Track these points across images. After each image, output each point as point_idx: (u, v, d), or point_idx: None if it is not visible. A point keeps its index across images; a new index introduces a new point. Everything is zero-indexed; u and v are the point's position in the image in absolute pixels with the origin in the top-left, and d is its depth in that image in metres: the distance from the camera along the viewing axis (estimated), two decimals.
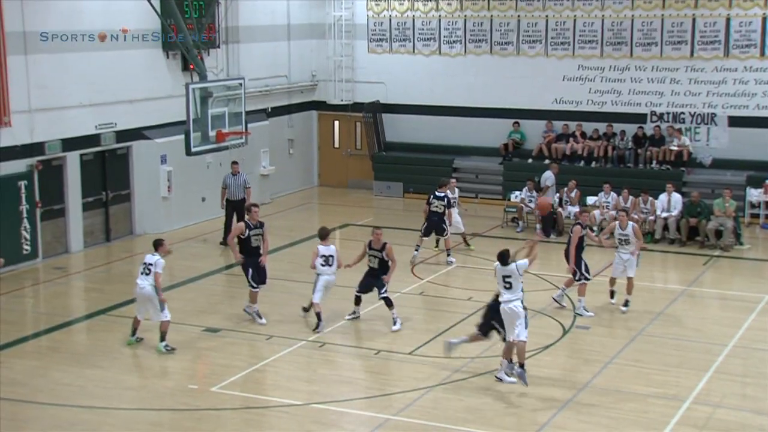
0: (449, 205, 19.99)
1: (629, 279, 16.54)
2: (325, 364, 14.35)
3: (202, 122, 18.43)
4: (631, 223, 16.82)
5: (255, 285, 15.91)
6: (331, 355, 14.69)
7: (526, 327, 13.09)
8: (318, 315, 15.56)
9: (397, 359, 14.49)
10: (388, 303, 15.71)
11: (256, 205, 16.68)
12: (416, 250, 19.94)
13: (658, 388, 13.14)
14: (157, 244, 14.86)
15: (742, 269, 19.86)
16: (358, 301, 16.06)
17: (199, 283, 18.57)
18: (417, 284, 18.35)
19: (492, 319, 13.49)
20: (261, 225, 16.16)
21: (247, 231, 15.93)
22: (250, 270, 15.92)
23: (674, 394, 12.97)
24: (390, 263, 15.85)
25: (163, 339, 14.57)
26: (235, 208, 20.84)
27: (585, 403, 12.71)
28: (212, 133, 18.68)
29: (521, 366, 12.99)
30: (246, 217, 16.46)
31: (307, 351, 14.80)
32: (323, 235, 16.00)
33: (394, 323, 15.63)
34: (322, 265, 15.71)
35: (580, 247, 16.46)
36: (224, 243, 20.59)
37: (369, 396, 13.09)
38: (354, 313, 16.08)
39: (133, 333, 14.96)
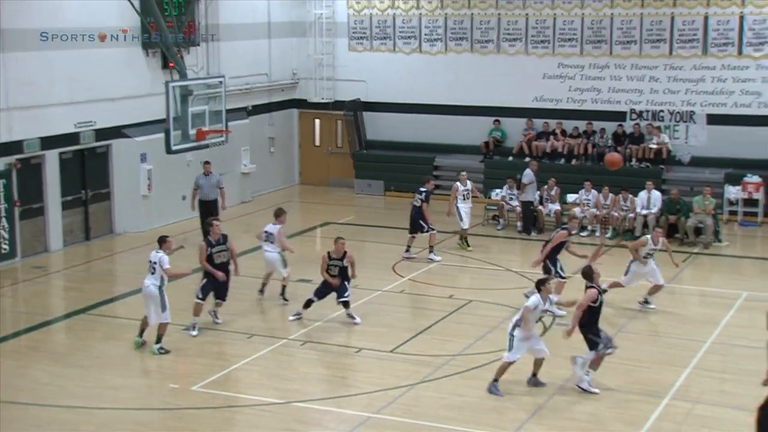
0: (426, 200, 19.94)
1: (657, 286, 16.47)
2: (307, 363, 14.35)
3: (183, 120, 18.37)
4: (662, 238, 16.62)
5: (202, 297, 15.35)
6: (312, 353, 14.68)
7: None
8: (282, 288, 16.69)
9: (379, 357, 14.51)
10: (346, 305, 15.72)
11: (217, 220, 16.05)
12: (407, 250, 19.95)
13: (638, 385, 13.21)
14: (161, 241, 14.70)
15: (721, 266, 20.00)
16: (308, 304, 15.84)
17: (179, 283, 18.48)
18: (398, 282, 18.37)
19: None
20: (224, 240, 15.52)
21: (209, 249, 15.33)
22: (208, 283, 15.33)
23: (654, 390, 13.05)
24: (350, 267, 15.80)
25: (159, 341, 14.47)
26: (209, 209, 20.63)
27: (565, 401, 12.77)
28: (192, 132, 18.63)
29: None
30: (208, 234, 15.74)
31: (288, 349, 14.80)
32: (276, 214, 16.93)
33: (355, 318, 15.72)
34: (264, 240, 16.76)
35: (557, 249, 16.44)
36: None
37: (350, 394, 13.10)
38: (298, 314, 15.94)
39: (141, 333, 14.79)
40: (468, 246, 20.75)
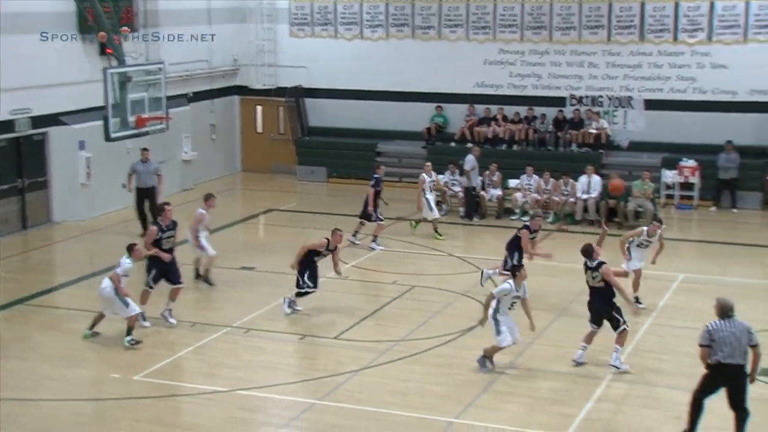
0: (374, 186, 19.92)
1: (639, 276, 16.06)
2: (250, 350, 14.29)
3: (122, 108, 18.13)
4: (659, 231, 16.32)
5: (152, 286, 15.12)
6: (256, 341, 14.64)
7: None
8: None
9: (323, 344, 14.52)
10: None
11: (167, 204, 15.84)
12: (354, 234, 19.90)
13: (578, 367, 13.40)
14: (130, 249, 14.43)
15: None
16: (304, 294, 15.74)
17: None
18: (343, 268, 18.31)
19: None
20: (174, 226, 15.34)
21: (159, 234, 15.06)
22: (158, 272, 15.06)
23: (593, 372, 13.25)
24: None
25: (129, 333, 14.23)
26: (146, 195, 20.48)
27: (508, 383, 12.92)
28: (132, 119, 18.42)
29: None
30: (158, 218, 15.61)
31: (232, 337, 14.72)
32: (205, 197, 17.11)
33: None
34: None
35: (516, 244, 16.33)
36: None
37: (295, 381, 13.09)
38: (293, 305, 15.78)
39: (92, 326, 14.52)
40: (441, 235, 20.67)
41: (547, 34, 25.42)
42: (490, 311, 13.18)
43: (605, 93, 25.18)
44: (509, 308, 13.22)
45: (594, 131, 24.75)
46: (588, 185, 22.35)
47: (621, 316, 13.21)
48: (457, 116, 26.28)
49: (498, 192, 22.92)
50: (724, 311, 10.75)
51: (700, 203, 23.71)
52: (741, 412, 10.81)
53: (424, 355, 13.86)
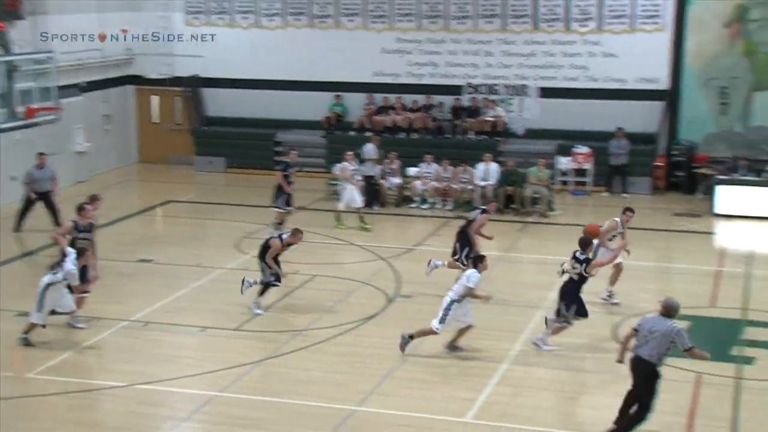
0: (284, 170, 19.54)
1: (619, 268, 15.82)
2: (149, 344, 14.06)
3: (9, 98, 17.58)
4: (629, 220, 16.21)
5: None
6: (155, 334, 14.41)
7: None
8: None
9: (224, 335, 14.39)
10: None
11: (95, 200, 15.25)
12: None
13: (477, 352, 13.61)
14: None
15: (555, 234, 20.77)
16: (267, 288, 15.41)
17: (7, 267, 17.76)
18: (242, 259, 18.23)
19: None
20: (91, 228, 14.83)
21: (74, 233, 14.54)
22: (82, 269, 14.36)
23: (493, 356, 13.48)
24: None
25: (26, 332, 13.68)
26: (42, 198, 19.74)
27: (409, 370, 13.04)
28: (21, 109, 17.88)
29: None
30: (76, 216, 14.88)
31: (130, 331, 14.46)
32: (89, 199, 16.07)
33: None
34: None
35: (467, 232, 16.26)
36: (18, 230, 19.72)
37: (195, 374, 12.94)
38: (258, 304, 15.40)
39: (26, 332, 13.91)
40: (368, 225, 20.48)
41: (443, 22, 25.66)
42: (446, 301, 13.23)
43: (501, 81, 25.57)
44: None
45: (491, 119, 25.13)
46: (486, 172, 22.69)
47: (571, 312, 13.42)
48: (355, 105, 26.31)
49: (397, 180, 23.07)
50: (664, 309, 10.66)
51: (593, 189, 24.33)
52: (637, 409, 10.71)
53: (326, 344, 13.88)
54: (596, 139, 24.43)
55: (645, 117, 24.51)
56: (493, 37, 25.39)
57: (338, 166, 23.77)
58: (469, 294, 13.19)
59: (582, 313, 13.46)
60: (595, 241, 14.48)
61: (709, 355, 10.92)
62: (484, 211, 16.62)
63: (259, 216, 20.71)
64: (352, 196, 20.58)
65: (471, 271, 13.40)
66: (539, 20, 25.08)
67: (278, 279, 15.21)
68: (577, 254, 13.62)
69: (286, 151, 20.62)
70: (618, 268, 15.57)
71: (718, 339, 13.67)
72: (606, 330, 14.35)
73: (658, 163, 24.32)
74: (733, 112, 24.23)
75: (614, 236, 15.62)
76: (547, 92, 25.24)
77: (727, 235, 20.98)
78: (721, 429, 11.08)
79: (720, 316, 15.17)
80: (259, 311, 15.13)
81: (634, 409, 10.77)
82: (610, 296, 15.68)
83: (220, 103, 27.45)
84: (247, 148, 26.45)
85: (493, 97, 25.56)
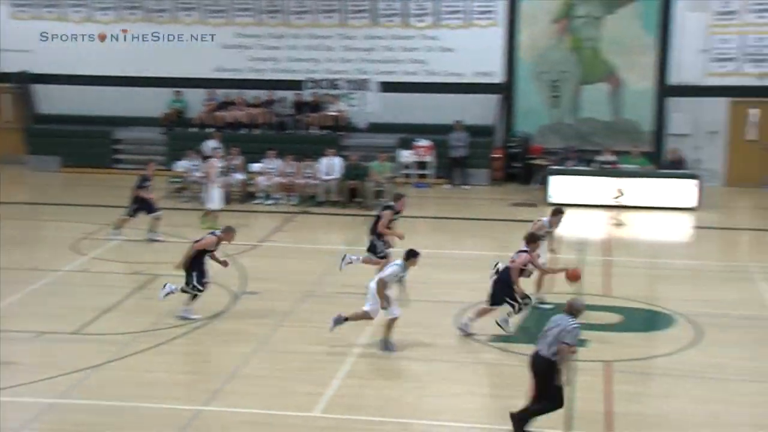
0: (140, 185, 19.07)
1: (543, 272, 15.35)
2: None
3: None
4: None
5: None
6: None
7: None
8: None
9: (61, 340, 13.88)
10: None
11: None
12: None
13: (324, 345, 13.64)
14: None
15: (398, 226, 20.97)
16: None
17: None
18: (80, 261, 17.64)
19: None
20: None
21: None
22: None
23: (341, 350, 13.53)
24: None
25: None
26: None
27: (255, 367, 12.94)
28: None
29: None
30: None
31: None
32: None
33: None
34: None
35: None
36: None
37: (30, 381, 12.41)
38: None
39: None
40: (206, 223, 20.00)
41: (282, 17, 25.58)
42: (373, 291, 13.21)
43: (342, 76, 25.72)
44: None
45: (333, 114, 25.25)
46: (329, 167, 22.78)
47: (502, 302, 13.66)
48: (196, 101, 25.91)
49: (241, 176, 22.85)
50: (568, 308, 10.67)
51: (434, 181, 24.82)
52: (536, 402, 10.58)
53: (169, 345, 13.61)
54: (437, 132, 24.93)
55: (482, 110, 25.19)
56: (333, 32, 25.51)
57: (180, 163, 23.42)
58: (383, 286, 13.17)
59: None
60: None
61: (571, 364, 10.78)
62: (387, 207, 16.36)
63: (97, 216, 20.11)
64: (213, 195, 20.13)
65: (394, 263, 13.45)
66: (378, 15, 25.36)
67: (202, 281, 14.52)
68: (522, 248, 13.90)
69: (147, 163, 20.03)
70: (542, 272, 15.11)
71: None
72: (449, 319, 14.65)
73: (495, 155, 25.05)
74: (564, 104, 25.25)
75: (542, 236, 15.16)
76: (387, 86, 25.57)
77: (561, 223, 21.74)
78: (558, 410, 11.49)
79: (556, 302, 15.71)
80: (195, 316, 14.52)
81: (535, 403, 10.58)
82: (542, 303, 15.12)
83: (53, 100, 26.46)
84: (83, 147, 25.63)
85: (334, 91, 25.67)
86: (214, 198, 20.16)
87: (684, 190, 22.12)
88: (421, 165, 24.91)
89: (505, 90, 25.30)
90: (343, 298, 15.69)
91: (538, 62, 25.15)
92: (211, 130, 24.66)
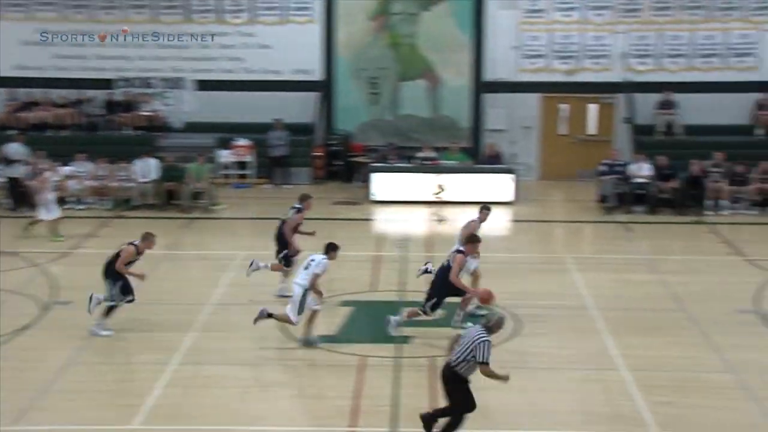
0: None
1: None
2: None
3: None
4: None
5: None
6: None
7: None
8: None
9: None
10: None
11: None
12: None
13: (145, 354, 13.03)
14: None
15: (219, 229, 20.57)
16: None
17: None
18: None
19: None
20: None
21: None
22: None
23: (161, 356, 12.94)
24: None
25: None
26: None
27: (70, 380, 12.18)
28: None
29: None
30: None
31: None
32: None
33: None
34: None
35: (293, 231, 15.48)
36: None
37: None
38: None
39: None
40: (60, 237, 18.75)
41: (89, 13, 24.48)
42: (299, 292, 13.01)
43: (155, 74, 24.87)
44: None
45: (147, 114, 24.41)
46: (145, 169, 21.98)
47: (431, 300, 13.38)
48: None
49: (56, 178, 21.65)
50: (485, 321, 10.39)
51: (255, 181, 24.38)
52: (450, 411, 10.34)
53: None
54: (256, 131, 24.48)
55: (302, 108, 24.96)
56: (145, 28, 24.59)
57: None
58: (316, 281, 13.00)
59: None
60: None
61: (505, 378, 10.40)
62: (299, 210, 15.74)
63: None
64: (49, 206, 18.94)
65: (320, 258, 13.14)
66: (191, 11, 24.67)
67: (128, 291, 13.65)
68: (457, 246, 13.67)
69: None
70: (476, 275, 14.62)
71: (378, 322, 14.06)
72: (270, 322, 14.28)
73: (316, 153, 24.86)
74: (384, 101, 25.37)
75: None
76: (204, 85, 24.94)
77: (383, 221, 21.87)
78: (384, 408, 11.36)
79: (380, 299, 15.68)
80: (106, 333, 13.55)
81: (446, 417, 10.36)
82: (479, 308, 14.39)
83: None
84: None
85: (148, 90, 24.79)
86: (51, 208, 18.97)
87: (501, 185, 22.62)
88: (241, 165, 24.41)
89: (324, 87, 25.16)
90: (162, 303, 15.08)
91: (357, 59, 25.15)
92: (14, 132, 23.29)
